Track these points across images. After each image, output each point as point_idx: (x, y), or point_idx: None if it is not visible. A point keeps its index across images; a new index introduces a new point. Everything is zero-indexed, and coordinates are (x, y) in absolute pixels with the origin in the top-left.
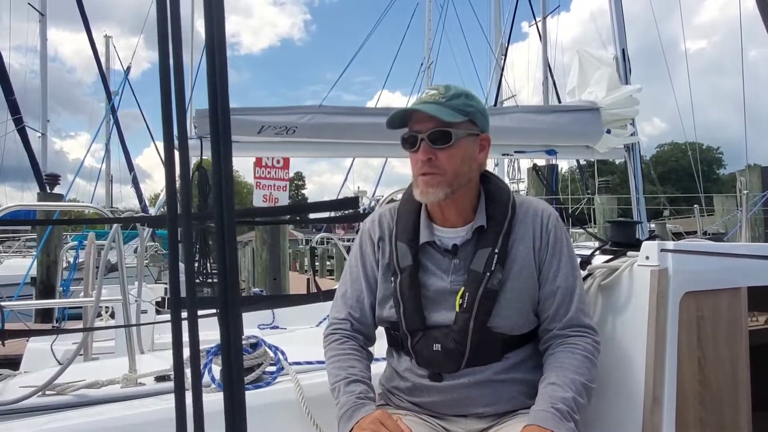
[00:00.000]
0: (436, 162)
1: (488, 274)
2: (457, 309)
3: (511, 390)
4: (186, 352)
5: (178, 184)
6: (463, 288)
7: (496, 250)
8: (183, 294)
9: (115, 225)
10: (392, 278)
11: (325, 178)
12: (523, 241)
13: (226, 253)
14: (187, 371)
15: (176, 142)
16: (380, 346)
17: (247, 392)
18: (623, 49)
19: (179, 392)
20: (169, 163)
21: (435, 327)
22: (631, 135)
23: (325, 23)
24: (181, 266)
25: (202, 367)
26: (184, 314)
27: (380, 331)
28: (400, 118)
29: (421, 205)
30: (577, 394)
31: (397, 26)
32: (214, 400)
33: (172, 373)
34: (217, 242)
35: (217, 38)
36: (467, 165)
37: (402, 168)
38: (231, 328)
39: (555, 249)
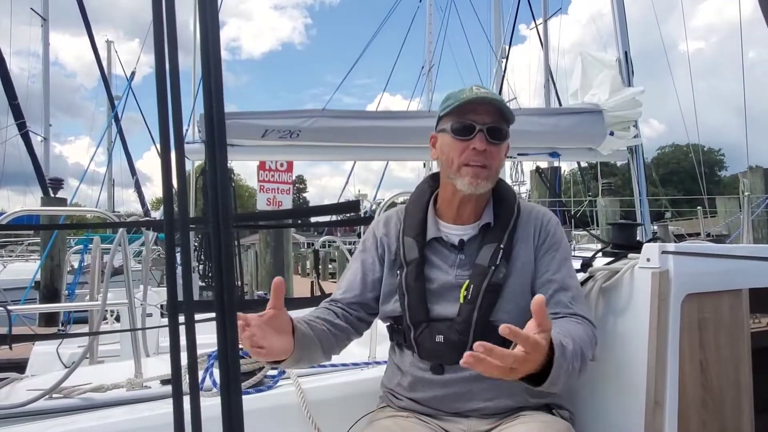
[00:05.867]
0: (487, 155)
1: (493, 267)
2: (462, 301)
3: (512, 386)
4: (185, 356)
5: (175, 189)
6: (468, 281)
7: (502, 246)
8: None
9: (120, 229)
10: (398, 272)
11: (324, 181)
12: (526, 241)
13: (222, 257)
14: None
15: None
16: (383, 349)
17: (248, 396)
18: (626, 52)
19: (177, 396)
20: (166, 169)
21: (438, 319)
22: (634, 137)
23: (326, 27)
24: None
25: (203, 371)
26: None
27: (384, 334)
28: (464, 104)
29: (429, 203)
30: (574, 354)
31: (397, 29)
32: (216, 404)
33: None
34: (213, 246)
35: (212, 43)
36: (502, 165)
37: (401, 171)
38: (228, 332)
39: (551, 246)
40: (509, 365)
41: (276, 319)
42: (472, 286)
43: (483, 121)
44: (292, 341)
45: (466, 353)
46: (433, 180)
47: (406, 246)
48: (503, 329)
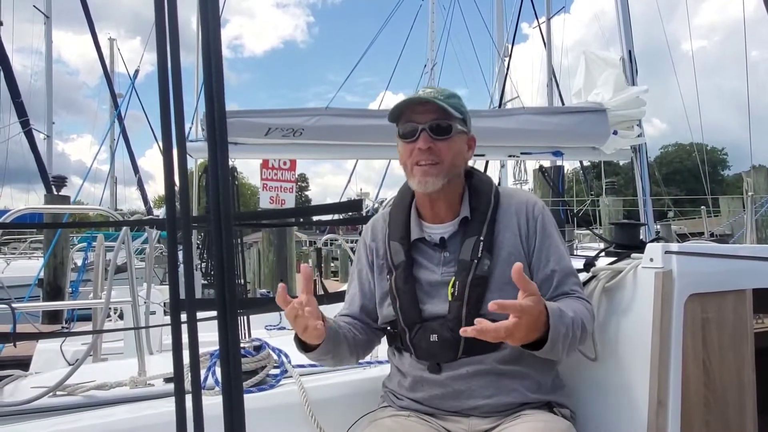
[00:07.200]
0: (435, 151)
1: (476, 261)
2: (450, 298)
3: (512, 382)
4: (187, 355)
5: (177, 187)
6: (453, 277)
7: (482, 238)
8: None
9: (124, 227)
10: (388, 276)
11: (327, 179)
12: (509, 229)
13: (224, 255)
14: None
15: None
16: (384, 348)
17: (250, 395)
18: (630, 50)
19: (179, 395)
20: (168, 167)
21: (431, 319)
22: (638, 136)
23: (328, 25)
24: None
25: (206, 369)
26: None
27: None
28: (403, 108)
29: (411, 205)
30: (575, 323)
31: (400, 27)
32: (218, 403)
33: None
34: (215, 244)
35: (213, 42)
36: (460, 159)
37: (402, 170)
38: (230, 330)
39: (544, 235)
40: (504, 335)
41: (310, 305)
42: (457, 282)
43: (424, 120)
44: (324, 332)
45: (467, 330)
46: None
47: (393, 250)
48: (491, 306)
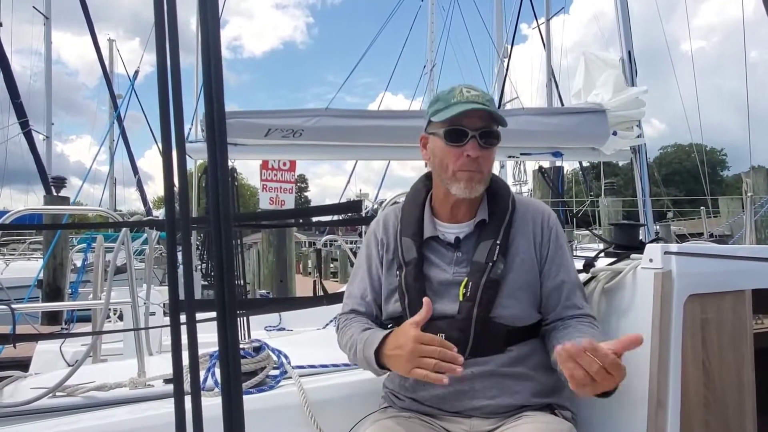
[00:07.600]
0: (480, 160)
1: (491, 264)
2: (461, 298)
3: (515, 384)
4: (186, 356)
5: (177, 188)
6: (466, 278)
7: (498, 242)
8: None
9: (123, 228)
10: (397, 272)
11: (325, 180)
12: (524, 236)
13: (223, 256)
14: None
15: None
16: None
17: (249, 396)
18: (629, 51)
19: (178, 396)
20: (167, 168)
21: (439, 318)
22: (638, 137)
23: (327, 26)
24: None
25: (205, 370)
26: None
27: None
28: (458, 112)
29: (425, 203)
30: None
31: (399, 28)
32: (217, 404)
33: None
34: (214, 245)
35: (213, 43)
36: (493, 166)
37: (402, 171)
38: (229, 331)
39: (557, 245)
40: (598, 369)
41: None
42: (470, 283)
43: (475, 125)
44: None
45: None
46: (428, 179)
47: (404, 246)
48: (585, 343)
